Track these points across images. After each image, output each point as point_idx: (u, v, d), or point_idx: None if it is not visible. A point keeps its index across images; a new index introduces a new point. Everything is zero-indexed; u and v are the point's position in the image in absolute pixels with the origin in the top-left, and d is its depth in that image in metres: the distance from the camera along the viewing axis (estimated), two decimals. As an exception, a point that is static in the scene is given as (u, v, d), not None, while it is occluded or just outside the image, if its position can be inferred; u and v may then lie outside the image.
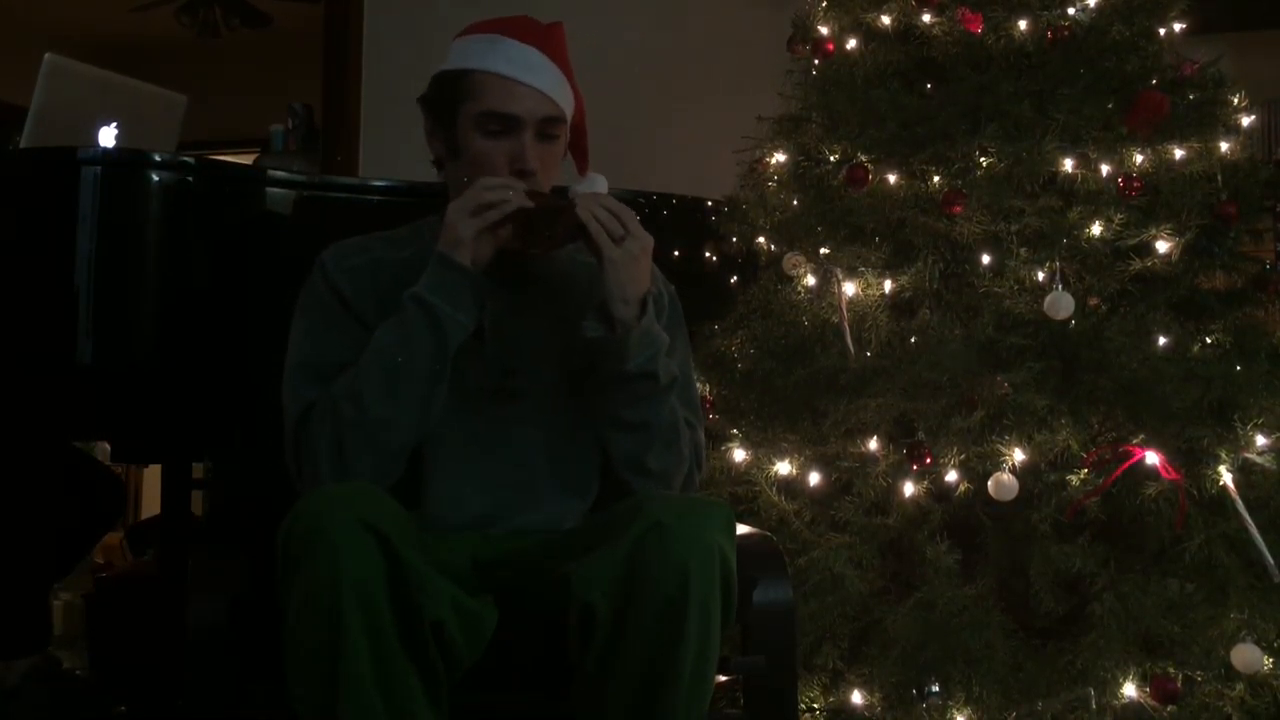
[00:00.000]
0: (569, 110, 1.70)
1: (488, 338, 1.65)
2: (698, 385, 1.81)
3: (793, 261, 2.34)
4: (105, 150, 2.25)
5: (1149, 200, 2.23)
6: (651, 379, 1.60)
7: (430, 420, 1.59)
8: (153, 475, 4.28)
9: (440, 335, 1.56)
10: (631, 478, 1.66)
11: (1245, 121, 2.37)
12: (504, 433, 1.67)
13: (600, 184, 1.68)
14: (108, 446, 2.97)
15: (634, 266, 1.58)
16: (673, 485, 1.67)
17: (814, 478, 2.19)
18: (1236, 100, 2.36)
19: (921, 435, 2.11)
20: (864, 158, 2.29)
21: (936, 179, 2.25)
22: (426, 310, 1.56)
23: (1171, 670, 1.99)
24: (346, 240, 1.74)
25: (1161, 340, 2.16)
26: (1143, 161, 2.24)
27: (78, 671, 2.91)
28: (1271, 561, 2.01)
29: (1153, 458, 2.04)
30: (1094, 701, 1.98)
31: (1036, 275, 2.17)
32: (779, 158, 2.47)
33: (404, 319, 1.57)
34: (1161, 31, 2.40)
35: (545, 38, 1.69)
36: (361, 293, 1.66)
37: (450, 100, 1.67)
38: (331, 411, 1.56)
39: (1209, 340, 2.22)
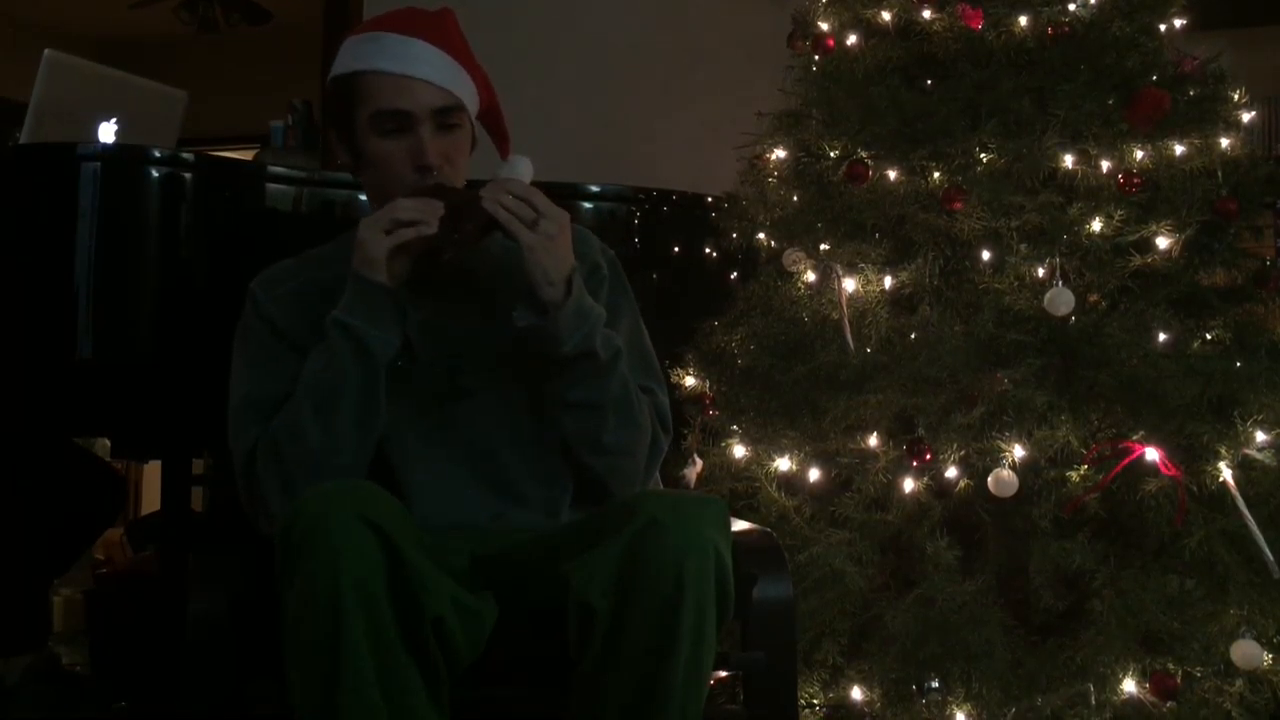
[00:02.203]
0: (468, 97, 1.67)
1: (417, 347, 1.63)
2: (656, 354, 1.78)
3: (793, 258, 2.34)
4: (105, 146, 2.25)
5: (1149, 196, 2.22)
6: (591, 357, 1.58)
7: (372, 441, 1.59)
8: (153, 471, 4.28)
9: (365, 355, 1.56)
10: (590, 458, 1.64)
11: (1245, 118, 2.36)
12: (464, 432, 1.66)
13: (523, 165, 1.64)
14: (108, 443, 2.97)
15: (553, 247, 1.55)
16: (636, 457, 1.66)
17: (814, 474, 2.19)
18: (1237, 96, 2.36)
19: (921, 431, 2.11)
20: (864, 154, 2.29)
21: (936, 175, 2.25)
22: (348, 332, 1.55)
23: (1171, 666, 2.00)
24: (275, 265, 1.73)
25: (1161, 336, 2.16)
26: (1143, 158, 2.24)
27: (77, 668, 2.91)
28: (1271, 558, 2.02)
29: (1152, 454, 2.04)
30: (1093, 697, 1.99)
31: (1036, 271, 2.17)
32: (779, 154, 2.47)
33: (328, 344, 1.57)
34: (1162, 28, 2.39)
35: (431, 27, 1.66)
36: (293, 320, 1.65)
37: (344, 106, 1.65)
38: (273, 449, 1.56)
39: (1209, 336, 2.22)
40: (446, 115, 1.63)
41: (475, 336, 1.68)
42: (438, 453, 1.65)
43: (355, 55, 1.66)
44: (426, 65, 1.63)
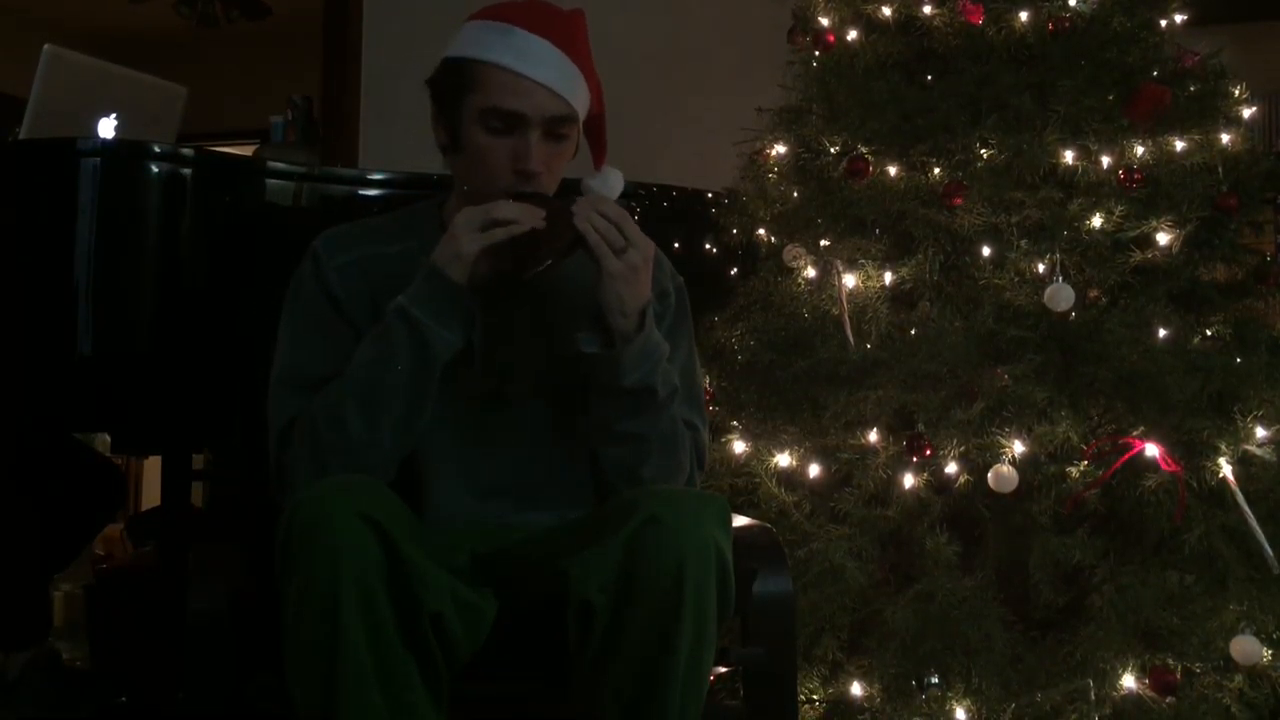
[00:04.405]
0: (582, 107, 1.60)
1: (478, 352, 1.59)
2: (702, 380, 1.77)
3: (793, 253, 2.33)
4: (105, 142, 2.25)
5: (1149, 192, 2.22)
6: (649, 393, 1.55)
7: (414, 438, 1.55)
8: (153, 466, 4.28)
9: (425, 352, 1.50)
10: (624, 488, 1.59)
11: (1246, 113, 2.36)
12: (498, 439, 1.64)
13: (616, 180, 1.62)
14: (108, 438, 2.97)
15: (634, 279, 1.50)
16: None
17: (814, 469, 2.19)
18: (1237, 92, 2.36)
19: (921, 427, 2.11)
20: (864, 149, 2.29)
21: (937, 171, 2.25)
22: (412, 326, 1.50)
23: (1170, 662, 2.00)
24: (339, 229, 1.68)
25: (1162, 332, 2.16)
26: (1143, 153, 2.24)
27: (78, 663, 2.91)
28: (1271, 553, 2.02)
29: (1152, 449, 2.04)
30: (1093, 693, 1.99)
31: (1037, 267, 2.17)
32: (779, 149, 2.47)
33: (388, 333, 1.51)
34: (1162, 23, 2.40)
35: (561, 28, 1.59)
36: (352, 292, 1.61)
37: (455, 89, 1.58)
38: (311, 432, 1.52)
39: (1209, 332, 2.23)
40: (558, 125, 1.57)
41: (530, 347, 1.64)
42: (468, 455, 1.63)
43: (479, 41, 1.58)
44: (550, 69, 1.55)
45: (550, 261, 1.52)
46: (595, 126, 1.68)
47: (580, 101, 1.60)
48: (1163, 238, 2.21)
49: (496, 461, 1.64)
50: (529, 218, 1.49)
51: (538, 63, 1.55)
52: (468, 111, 1.57)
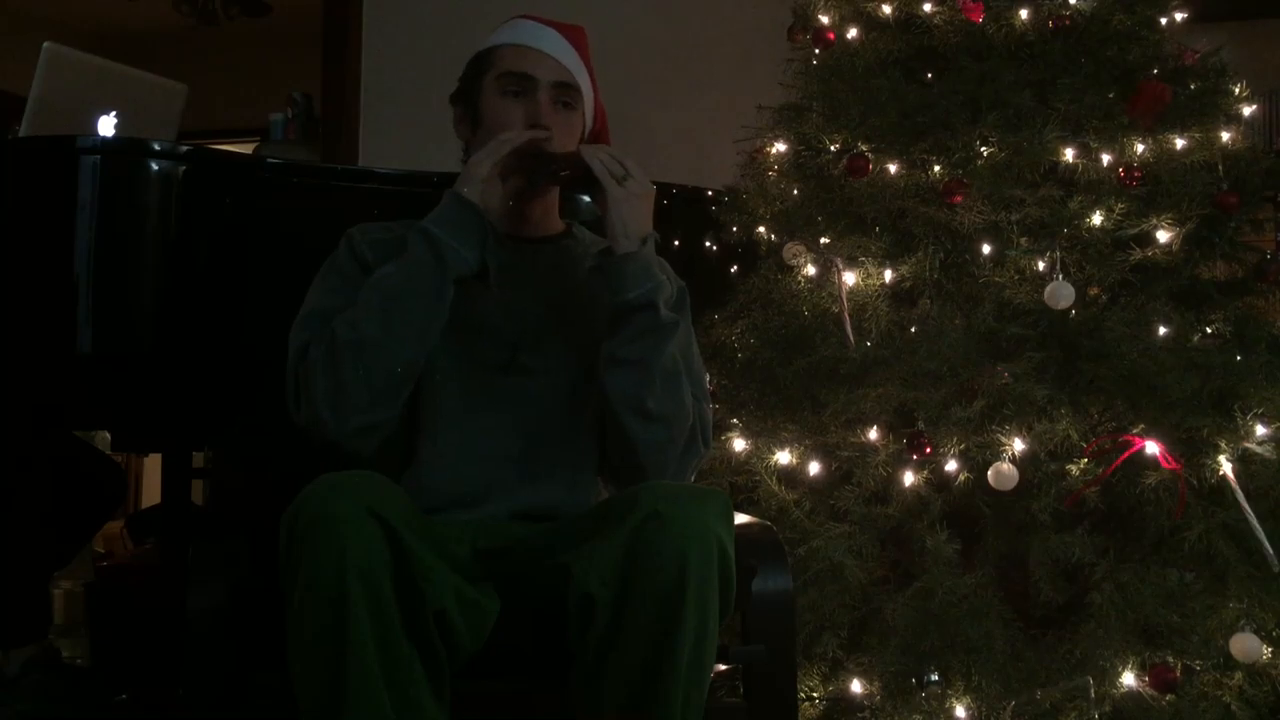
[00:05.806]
0: (585, 91, 1.77)
1: (495, 286, 1.69)
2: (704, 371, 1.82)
3: (793, 251, 2.34)
4: (104, 139, 2.25)
5: (1150, 190, 2.23)
6: (652, 310, 1.61)
7: (423, 351, 1.62)
8: (153, 464, 4.28)
9: (440, 263, 1.60)
10: (631, 421, 1.63)
11: (1246, 111, 2.37)
12: (507, 408, 1.69)
13: None
14: (108, 435, 2.97)
15: (636, 204, 1.64)
16: (675, 436, 1.65)
17: (814, 467, 2.19)
18: (1238, 90, 2.36)
19: (921, 425, 2.11)
20: (864, 147, 2.29)
21: (937, 168, 2.25)
22: (428, 239, 1.61)
23: (1170, 659, 2.00)
24: (373, 223, 1.80)
25: (1162, 330, 2.16)
26: (1144, 151, 2.24)
27: (78, 660, 2.91)
28: (1271, 551, 2.02)
29: (1152, 447, 2.04)
30: (1093, 690, 1.99)
31: (1037, 265, 2.17)
32: (779, 147, 2.47)
33: (407, 251, 1.63)
34: (1163, 21, 2.40)
35: (566, 28, 1.79)
36: (382, 257, 1.69)
37: (475, 76, 1.77)
38: (330, 338, 1.60)
39: (1209, 330, 2.22)
40: (565, 91, 1.74)
41: (547, 321, 1.73)
42: (471, 421, 1.68)
43: (494, 36, 1.80)
44: (555, 46, 1.76)
45: (556, 181, 1.69)
46: (599, 143, 1.80)
47: (583, 83, 1.77)
48: (1163, 235, 2.21)
49: (503, 431, 1.68)
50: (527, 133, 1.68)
51: (543, 39, 1.76)
52: (485, 86, 1.75)
